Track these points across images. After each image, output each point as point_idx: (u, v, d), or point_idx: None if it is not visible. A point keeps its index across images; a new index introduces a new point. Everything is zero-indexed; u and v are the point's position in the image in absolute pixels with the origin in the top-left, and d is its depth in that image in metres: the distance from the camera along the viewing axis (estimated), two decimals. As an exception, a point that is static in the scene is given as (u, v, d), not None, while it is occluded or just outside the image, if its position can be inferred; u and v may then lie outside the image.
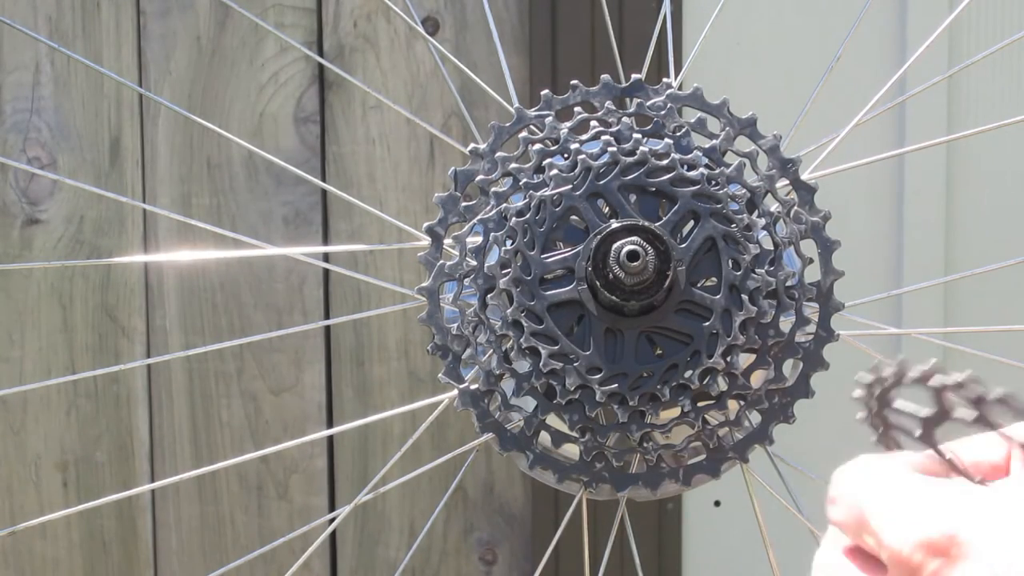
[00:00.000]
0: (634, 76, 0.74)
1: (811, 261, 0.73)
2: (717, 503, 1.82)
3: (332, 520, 0.86)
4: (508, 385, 0.71)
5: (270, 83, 1.77)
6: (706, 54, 0.82)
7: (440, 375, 0.71)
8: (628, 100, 0.75)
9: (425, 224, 0.73)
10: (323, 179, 1.78)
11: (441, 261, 0.72)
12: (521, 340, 0.69)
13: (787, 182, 0.73)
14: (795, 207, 0.72)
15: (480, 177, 0.72)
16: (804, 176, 0.73)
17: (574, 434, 0.71)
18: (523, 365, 0.69)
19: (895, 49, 1.79)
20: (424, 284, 0.72)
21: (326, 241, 1.79)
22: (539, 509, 1.78)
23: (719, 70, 1.69)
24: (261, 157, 1.70)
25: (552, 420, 0.71)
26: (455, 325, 0.71)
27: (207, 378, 1.79)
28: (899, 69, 0.81)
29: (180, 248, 1.78)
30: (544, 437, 0.72)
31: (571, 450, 0.72)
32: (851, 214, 1.78)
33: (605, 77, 0.74)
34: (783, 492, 0.80)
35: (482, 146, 0.73)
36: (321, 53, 1.77)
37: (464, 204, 0.72)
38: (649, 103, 0.74)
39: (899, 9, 1.79)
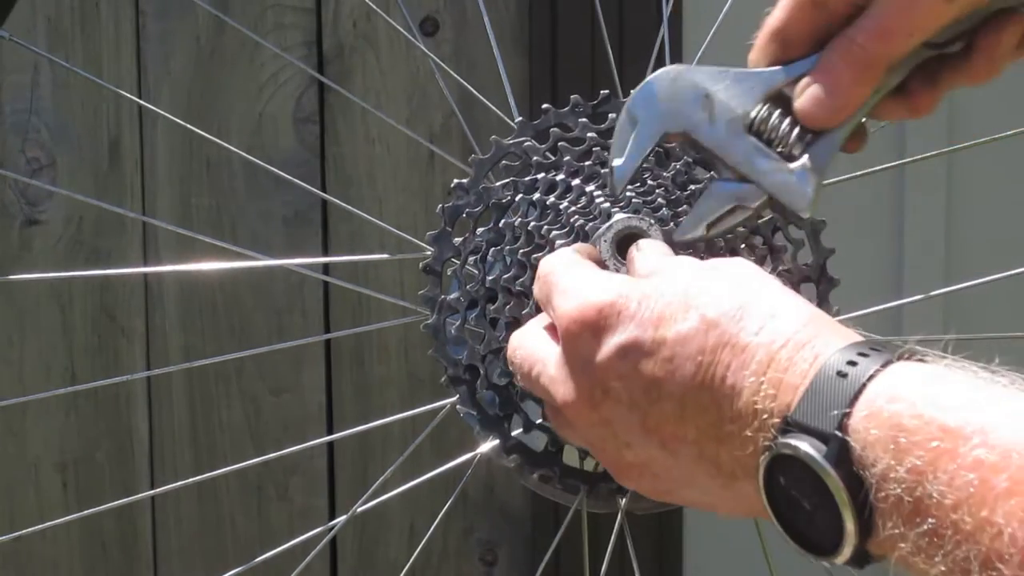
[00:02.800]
0: (602, 92, 0.74)
1: (802, 244, 0.74)
2: (717, 503, 1.82)
3: (330, 529, 0.86)
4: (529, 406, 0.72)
5: (269, 83, 1.77)
6: (707, 61, 0.82)
7: (458, 407, 0.72)
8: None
9: (421, 263, 0.74)
10: (323, 179, 1.77)
11: (442, 296, 0.73)
12: None
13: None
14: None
15: (467, 211, 0.73)
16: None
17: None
18: (533, 408, 0.71)
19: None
20: (429, 321, 0.72)
21: (326, 241, 1.79)
22: (539, 510, 1.78)
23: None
24: (261, 157, 1.70)
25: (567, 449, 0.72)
26: (464, 355, 0.72)
27: (207, 379, 1.79)
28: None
29: (179, 249, 1.77)
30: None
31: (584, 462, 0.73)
32: (852, 223, 1.77)
33: (575, 97, 0.74)
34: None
35: (465, 181, 0.74)
36: (321, 53, 1.77)
37: (457, 240, 0.73)
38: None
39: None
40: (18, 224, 1.77)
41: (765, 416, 0.53)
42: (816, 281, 0.74)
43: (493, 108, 0.80)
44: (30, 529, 0.88)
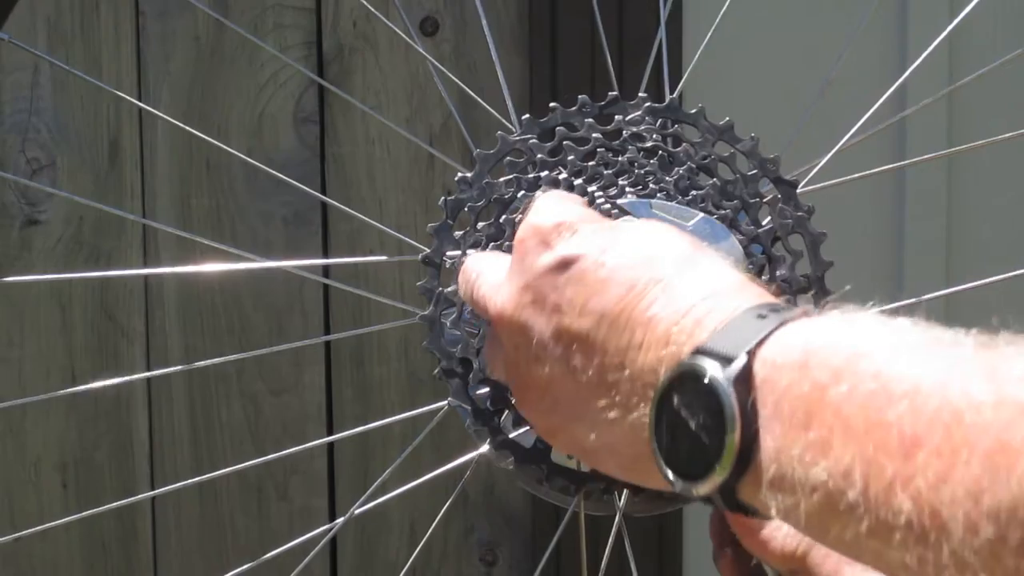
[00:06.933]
0: (611, 93, 0.74)
1: (801, 255, 0.74)
2: (717, 503, 1.82)
3: (330, 530, 0.86)
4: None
5: (270, 83, 1.77)
6: (706, 68, 0.82)
7: (449, 399, 0.72)
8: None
9: (421, 255, 0.73)
10: (323, 179, 1.77)
11: (440, 288, 0.73)
12: None
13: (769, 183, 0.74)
14: (779, 204, 0.73)
15: (469, 205, 0.73)
16: (800, 190, 0.74)
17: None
18: None
19: (897, 60, 1.79)
20: (425, 312, 0.72)
21: (326, 241, 1.79)
22: (539, 510, 1.78)
23: (720, 83, 1.68)
24: (261, 157, 1.70)
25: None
26: (459, 347, 0.72)
27: (206, 379, 1.79)
28: (901, 79, 0.80)
29: (179, 250, 1.77)
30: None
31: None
32: (852, 224, 1.77)
33: (582, 97, 0.74)
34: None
35: (469, 175, 0.74)
36: (320, 53, 1.77)
37: (458, 232, 0.73)
38: (628, 118, 0.74)
39: (899, 21, 1.79)
40: (18, 224, 1.77)
41: (674, 348, 0.54)
42: (814, 293, 0.74)
43: (491, 111, 0.79)
44: (30, 530, 0.88)
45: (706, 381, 0.51)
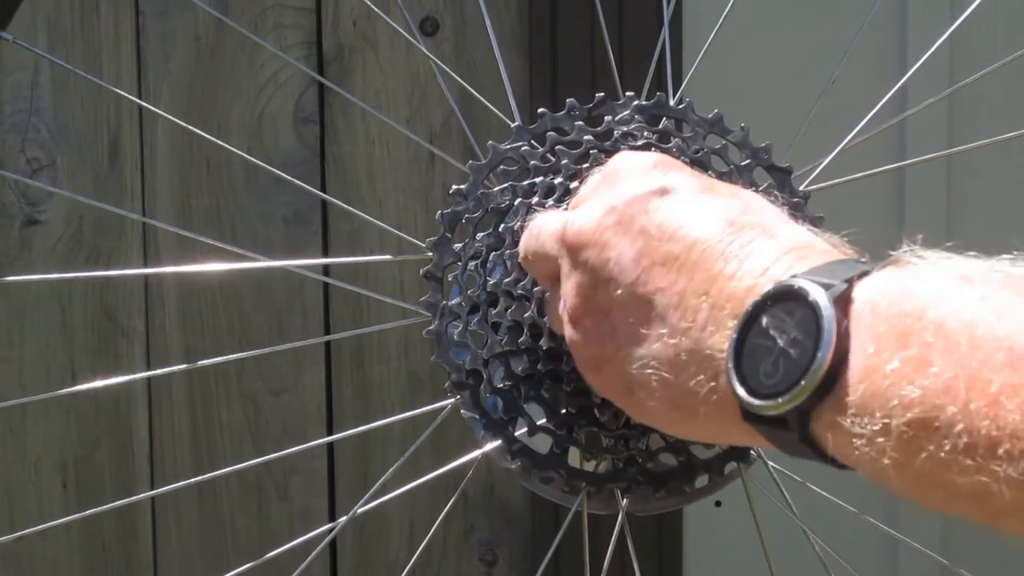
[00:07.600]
0: (598, 95, 0.74)
1: None
2: (718, 503, 1.82)
3: (331, 530, 0.86)
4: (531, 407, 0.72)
5: (270, 83, 1.77)
6: (707, 69, 0.82)
7: (462, 411, 0.72)
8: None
9: (422, 269, 0.73)
10: (323, 179, 1.78)
11: (444, 302, 0.72)
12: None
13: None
14: (775, 192, 0.73)
15: (466, 217, 0.73)
16: (801, 189, 0.74)
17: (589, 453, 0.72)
18: (535, 410, 0.70)
19: (897, 60, 1.79)
20: (431, 327, 0.72)
21: (326, 241, 1.79)
22: (539, 510, 1.78)
23: (721, 84, 1.68)
24: (261, 157, 1.70)
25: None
26: (467, 359, 0.72)
27: (206, 379, 1.79)
28: (903, 80, 0.81)
29: (179, 249, 1.77)
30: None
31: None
32: (851, 224, 1.77)
33: (571, 101, 0.74)
34: (783, 494, 0.80)
35: (463, 186, 0.74)
36: (320, 53, 1.77)
37: (457, 245, 0.73)
38: (617, 118, 0.74)
39: (899, 21, 1.79)
40: (18, 224, 1.77)
41: (767, 278, 0.54)
42: None
43: (493, 109, 0.79)
44: (31, 529, 0.88)
45: (809, 299, 0.51)
